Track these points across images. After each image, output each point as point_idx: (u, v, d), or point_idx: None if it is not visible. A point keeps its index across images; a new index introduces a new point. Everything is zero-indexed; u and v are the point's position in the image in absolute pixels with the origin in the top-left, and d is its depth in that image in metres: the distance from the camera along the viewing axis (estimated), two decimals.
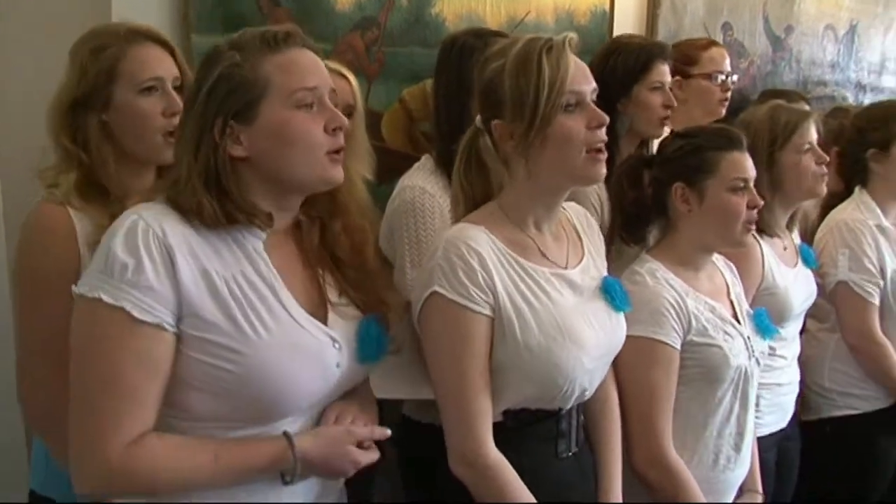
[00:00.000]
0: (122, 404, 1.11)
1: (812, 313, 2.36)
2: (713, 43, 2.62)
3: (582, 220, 1.59)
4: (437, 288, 1.33)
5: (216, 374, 1.14)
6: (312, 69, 1.23)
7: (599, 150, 1.38)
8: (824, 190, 2.10)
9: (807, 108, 2.71)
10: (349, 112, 1.93)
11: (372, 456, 1.28)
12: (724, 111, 2.47)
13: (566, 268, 1.46)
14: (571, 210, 1.59)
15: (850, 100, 3.63)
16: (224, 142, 1.17)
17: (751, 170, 1.72)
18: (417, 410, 1.84)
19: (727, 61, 2.52)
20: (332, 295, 1.30)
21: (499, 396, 1.38)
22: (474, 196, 1.46)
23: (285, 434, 1.20)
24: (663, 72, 2.13)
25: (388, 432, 1.31)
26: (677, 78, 2.40)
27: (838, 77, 3.67)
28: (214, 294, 1.15)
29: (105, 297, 1.10)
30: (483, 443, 1.35)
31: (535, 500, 1.37)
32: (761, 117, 2.07)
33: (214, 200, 1.16)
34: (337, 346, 1.25)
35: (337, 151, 1.24)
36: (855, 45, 3.71)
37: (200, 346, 1.14)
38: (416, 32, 2.39)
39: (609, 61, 2.10)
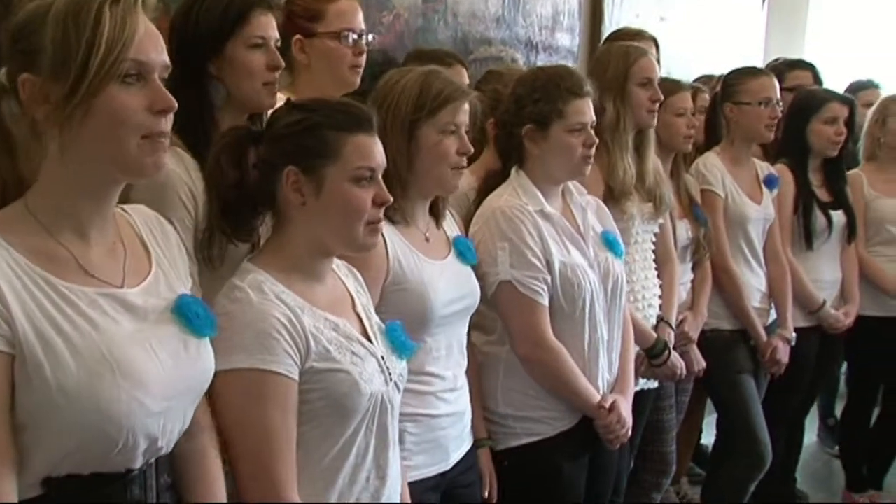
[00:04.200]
0: None
1: (476, 323, 2.56)
2: None
3: (153, 226, 1.65)
4: None
5: None
6: None
7: (158, 140, 1.45)
8: (456, 187, 2.33)
9: (465, 73, 3.02)
10: None
11: None
12: (358, 80, 2.58)
13: (122, 286, 1.51)
14: (137, 215, 1.64)
15: (521, 61, 3.96)
16: None
17: (379, 156, 1.85)
18: None
19: (360, 16, 2.61)
20: None
21: (28, 461, 1.39)
22: (2, 176, 1.46)
23: None
24: (264, 24, 2.17)
25: None
26: (298, 37, 2.52)
27: (505, 34, 3.95)
28: None
29: None
30: None
31: None
32: (414, 79, 2.24)
33: None
34: None
35: None
36: None
37: None
38: None
39: (192, 14, 2.12)
